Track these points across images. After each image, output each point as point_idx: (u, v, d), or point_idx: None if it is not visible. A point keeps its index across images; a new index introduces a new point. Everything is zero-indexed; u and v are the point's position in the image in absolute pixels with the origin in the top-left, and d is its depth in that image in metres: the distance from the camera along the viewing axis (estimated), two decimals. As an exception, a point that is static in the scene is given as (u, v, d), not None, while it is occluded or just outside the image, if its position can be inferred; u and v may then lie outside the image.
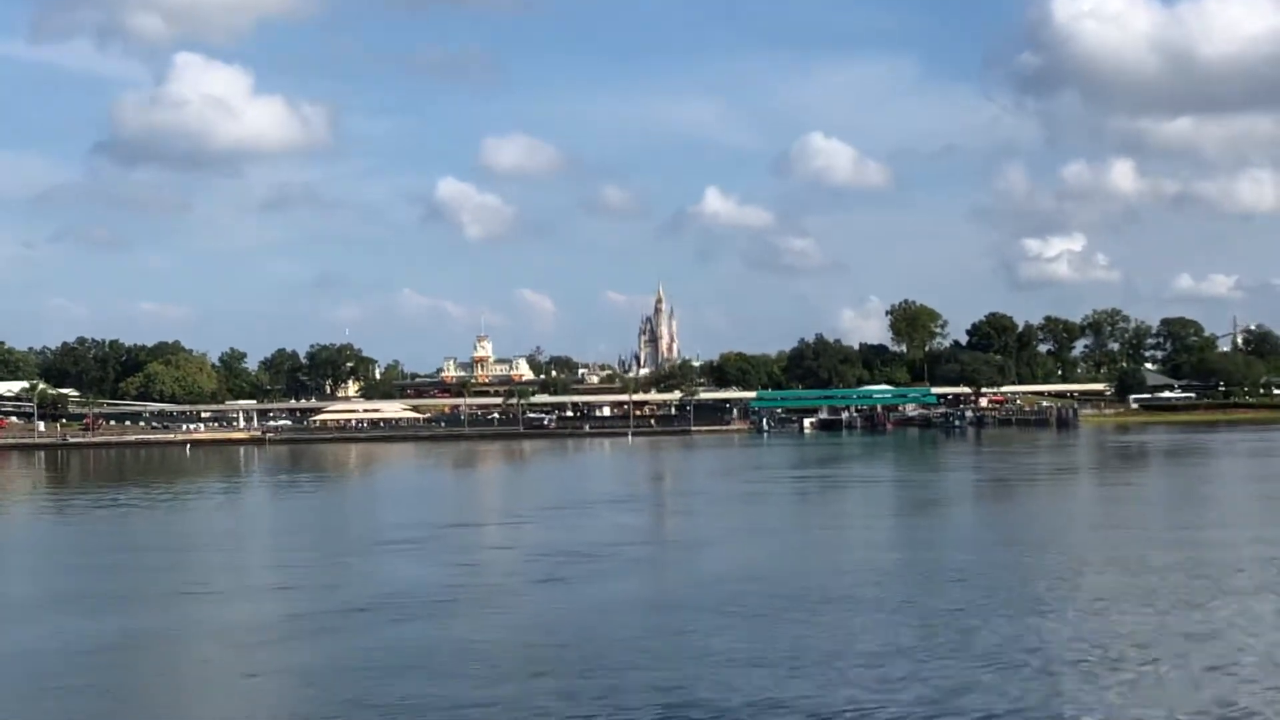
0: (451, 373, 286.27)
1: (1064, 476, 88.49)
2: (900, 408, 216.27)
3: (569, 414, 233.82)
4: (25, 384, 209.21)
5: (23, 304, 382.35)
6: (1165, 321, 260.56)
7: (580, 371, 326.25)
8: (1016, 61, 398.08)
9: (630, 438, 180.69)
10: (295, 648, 30.12)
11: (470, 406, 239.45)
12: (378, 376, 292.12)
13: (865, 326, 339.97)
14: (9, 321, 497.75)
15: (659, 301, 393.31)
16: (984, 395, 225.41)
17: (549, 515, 62.11)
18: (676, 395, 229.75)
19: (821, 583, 36.93)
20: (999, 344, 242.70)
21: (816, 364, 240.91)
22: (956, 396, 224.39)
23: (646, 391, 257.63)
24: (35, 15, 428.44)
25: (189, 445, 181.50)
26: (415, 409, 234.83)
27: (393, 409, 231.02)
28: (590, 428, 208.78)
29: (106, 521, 66.64)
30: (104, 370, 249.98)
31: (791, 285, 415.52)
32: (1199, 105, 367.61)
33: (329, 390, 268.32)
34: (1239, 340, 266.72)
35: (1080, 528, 52.16)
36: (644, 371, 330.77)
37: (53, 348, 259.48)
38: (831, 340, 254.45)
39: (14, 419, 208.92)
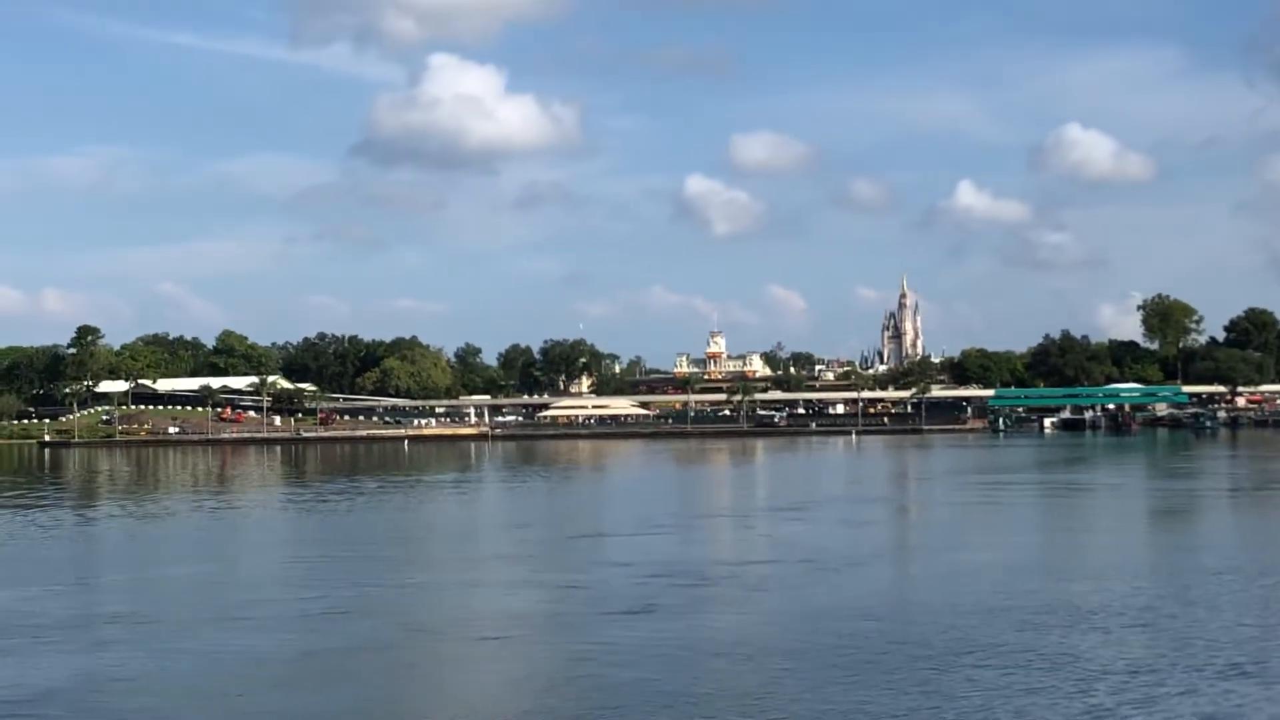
0: (684, 369, 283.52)
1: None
2: (1150, 407, 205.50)
3: (800, 411, 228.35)
4: (256, 379, 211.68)
5: (285, 301, 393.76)
6: None
7: (818, 368, 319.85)
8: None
9: (854, 436, 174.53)
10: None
11: (701, 403, 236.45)
12: (616, 371, 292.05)
13: (1124, 323, 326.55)
14: (271, 317, 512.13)
15: (903, 296, 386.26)
16: (1240, 394, 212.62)
17: (687, 525, 57.65)
18: (909, 393, 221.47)
19: (952, 629, 31.12)
20: (1258, 340, 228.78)
21: (1062, 361, 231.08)
22: (1210, 396, 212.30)
23: (884, 388, 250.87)
24: (293, 21, 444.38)
25: (407, 441, 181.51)
26: (644, 405, 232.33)
27: (620, 405, 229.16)
28: (818, 425, 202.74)
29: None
30: (343, 365, 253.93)
31: (1047, 281, 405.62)
32: None
33: (562, 386, 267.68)
34: None
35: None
36: (884, 368, 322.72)
37: (295, 343, 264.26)
38: (1080, 337, 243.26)
39: (251, 413, 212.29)
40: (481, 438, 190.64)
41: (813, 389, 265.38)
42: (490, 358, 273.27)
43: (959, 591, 35.18)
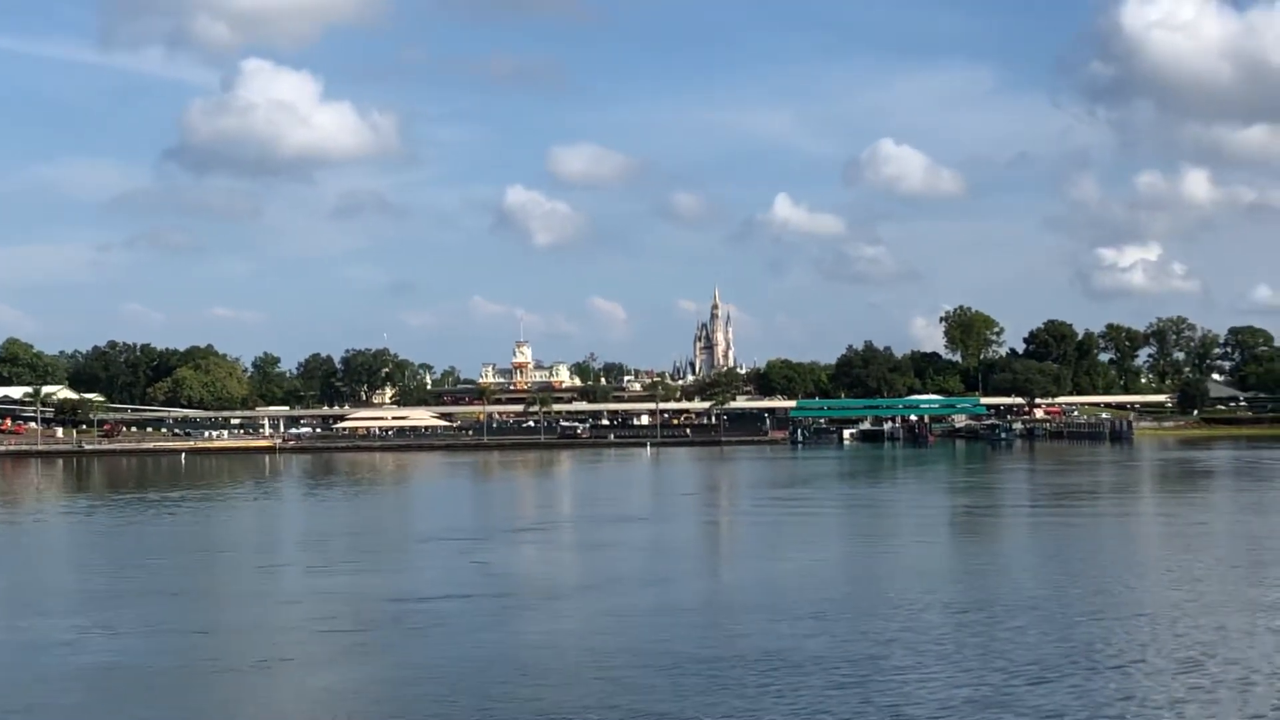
0: (489, 379, 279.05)
1: (1078, 504, 78.14)
2: (949, 418, 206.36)
3: (604, 423, 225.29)
4: (31, 389, 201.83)
5: (98, 309, 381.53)
6: (1234, 330, 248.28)
7: (626, 379, 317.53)
8: (1087, 71, 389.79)
9: (649, 449, 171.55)
10: None
11: (504, 414, 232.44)
12: (429, 382, 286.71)
13: (936, 335, 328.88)
14: (83, 325, 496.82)
15: (715, 307, 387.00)
16: (1038, 406, 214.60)
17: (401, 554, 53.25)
18: (708, 404, 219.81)
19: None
20: (1057, 352, 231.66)
21: (865, 372, 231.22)
22: (1008, 407, 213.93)
23: (691, 399, 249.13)
24: (104, 23, 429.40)
25: (184, 455, 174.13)
26: (445, 416, 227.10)
27: (420, 416, 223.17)
28: (617, 437, 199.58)
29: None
30: (135, 375, 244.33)
31: (863, 293, 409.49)
32: (1274, 113, 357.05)
33: (364, 397, 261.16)
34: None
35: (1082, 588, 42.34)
36: (693, 379, 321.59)
37: (84, 351, 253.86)
38: (884, 349, 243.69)
39: (32, 425, 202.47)
40: (270, 450, 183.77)
41: (620, 400, 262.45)
42: (294, 368, 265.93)
43: (676, 625, 31.55)
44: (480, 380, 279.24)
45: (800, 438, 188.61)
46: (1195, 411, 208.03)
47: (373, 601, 38.44)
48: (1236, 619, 31.98)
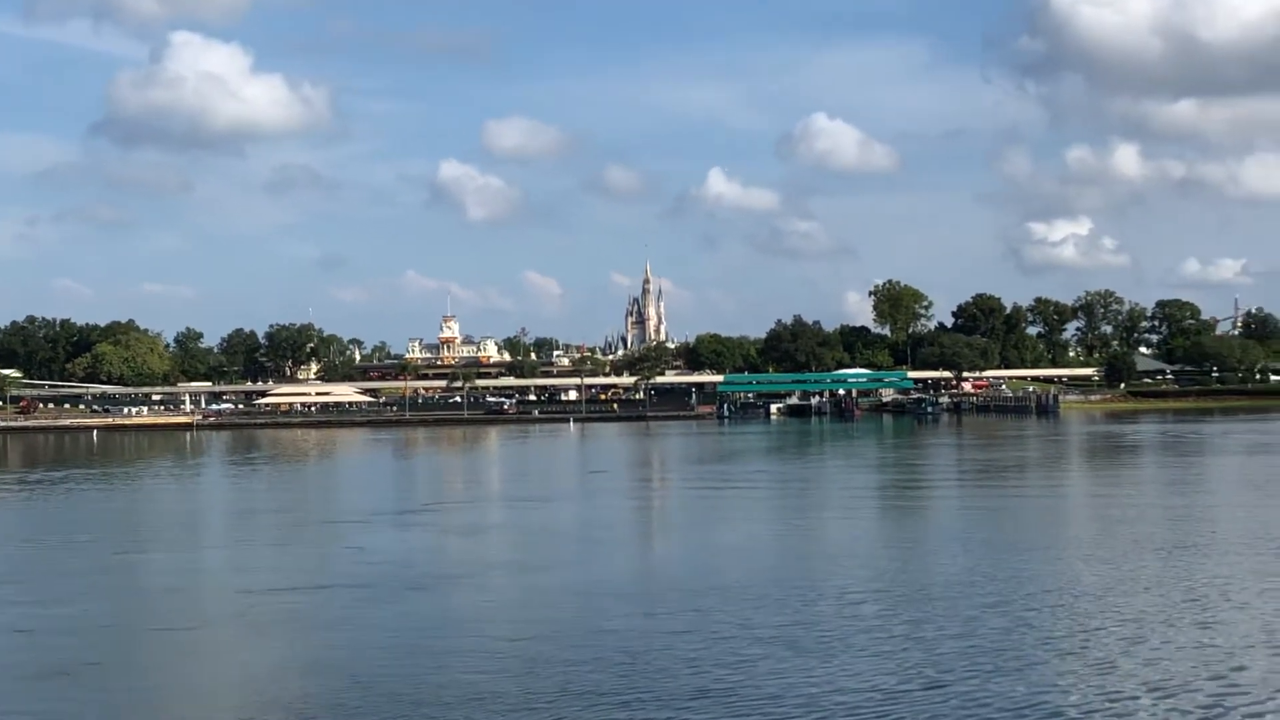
0: (416, 354, 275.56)
1: (977, 481, 76.27)
2: (877, 392, 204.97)
3: (531, 398, 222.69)
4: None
5: (27, 284, 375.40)
6: (1161, 304, 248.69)
7: (555, 354, 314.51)
8: (1017, 46, 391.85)
9: (572, 424, 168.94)
10: None
11: (430, 389, 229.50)
12: (357, 357, 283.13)
13: (869, 309, 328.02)
14: (11, 301, 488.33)
15: (646, 282, 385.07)
16: (965, 380, 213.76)
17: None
18: (635, 379, 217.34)
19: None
20: (986, 326, 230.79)
21: (794, 346, 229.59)
22: (936, 381, 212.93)
23: (620, 374, 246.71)
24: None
25: (96, 431, 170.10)
26: (370, 392, 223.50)
27: (344, 392, 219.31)
28: (542, 413, 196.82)
29: None
30: (54, 351, 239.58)
31: (796, 268, 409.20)
32: (1202, 88, 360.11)
33: (289, 372, 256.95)
34: (1239, 324, 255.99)
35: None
36: (623, 354, 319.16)
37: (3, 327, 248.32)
38: (813, 323, 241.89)
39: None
40: (188, 427, 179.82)
41: (549, 375, 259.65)
42: (219, 344, 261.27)
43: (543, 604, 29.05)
44: (407, 356, 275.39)
45: (727, 412, 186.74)
46: (1122, 385, 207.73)
47: (218, 594, 35.78)
48: (1152, 607, 29.81)
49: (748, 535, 46.59)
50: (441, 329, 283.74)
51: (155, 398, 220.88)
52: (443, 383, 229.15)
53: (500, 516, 56.05)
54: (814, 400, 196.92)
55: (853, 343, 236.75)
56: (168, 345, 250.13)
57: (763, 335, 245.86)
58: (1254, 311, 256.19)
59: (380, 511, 57.95)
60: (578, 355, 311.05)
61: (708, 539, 46.67)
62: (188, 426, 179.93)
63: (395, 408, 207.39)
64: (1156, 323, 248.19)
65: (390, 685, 23.88)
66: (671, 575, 37.68)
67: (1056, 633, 27.28)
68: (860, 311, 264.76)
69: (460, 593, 35.40)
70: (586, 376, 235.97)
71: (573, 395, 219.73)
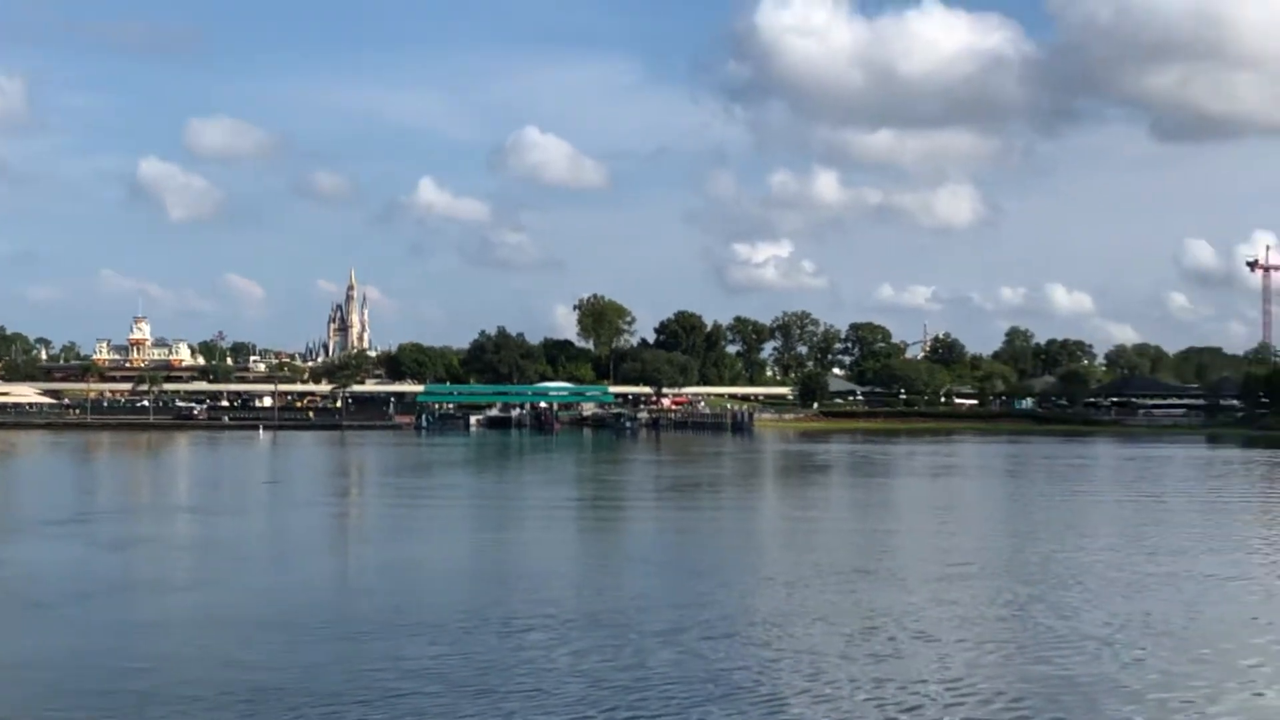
0: (104, 355, 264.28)
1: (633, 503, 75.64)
2: (577, 406, 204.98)
3: (224, 404, 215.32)
4: None
5: None
6: (854, 327, 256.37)
7: (253, 359, 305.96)
8: (725, 70, 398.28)
9: (263, 432, 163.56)
10: None
11: (117, 392, 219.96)
12: (44, 357, 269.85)
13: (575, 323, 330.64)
14: None
15: (350, 289, 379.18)
16: (665, 395, 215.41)
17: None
18: (331, 387, 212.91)
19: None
20: (687, 343, 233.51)
21: (497, 358, 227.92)
22: (637, 396, 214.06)
23: (318, 382, 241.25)
24: None
25: None
26: (53, 394, 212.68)
27: (24, 393, 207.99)
28: (232, 419, 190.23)
29: None
30: None
31: (506, 280, 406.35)
32: (899, 120, 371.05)
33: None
34: (927, 348, 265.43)
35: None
36: (322, 361, 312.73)
37: None
38: (516, 335, 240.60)
39: None
40: None
41: (244, 380, 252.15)
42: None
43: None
44: (95, 357, 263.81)
45: (425, 423, 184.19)
46: (815, 404, 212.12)
47: None
48: (830, 637, 28.65)
49: (421, 555, 44.11)
50: (132, 330, 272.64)
51: None
52: (130, 385, 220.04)
53: (158, 528, 52.30)
54: (515, 413, 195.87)
55: (556, 356, 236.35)
56: None
57: (468, 346, 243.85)
58: (941, 337, 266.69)
59: (28, 521, 53.73)
60: (275, 361, 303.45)
61: (378, 558, 44.19)
62: None
63: (78, 410, 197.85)
64: (850, 345, 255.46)
65: None
66: (329, 597, 35.03)
67: (728, 665, 25.68)
68: (568, 325, 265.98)
69: (94, 612, 32.06)
70: (283, 383, 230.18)
71: (268, 402, 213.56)
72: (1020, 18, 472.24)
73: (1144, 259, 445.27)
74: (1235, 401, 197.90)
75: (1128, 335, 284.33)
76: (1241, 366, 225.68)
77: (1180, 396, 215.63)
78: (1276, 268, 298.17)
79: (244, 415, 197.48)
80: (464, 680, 24.18)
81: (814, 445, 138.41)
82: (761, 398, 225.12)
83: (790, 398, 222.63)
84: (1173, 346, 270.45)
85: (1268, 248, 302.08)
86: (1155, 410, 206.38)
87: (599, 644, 27.48)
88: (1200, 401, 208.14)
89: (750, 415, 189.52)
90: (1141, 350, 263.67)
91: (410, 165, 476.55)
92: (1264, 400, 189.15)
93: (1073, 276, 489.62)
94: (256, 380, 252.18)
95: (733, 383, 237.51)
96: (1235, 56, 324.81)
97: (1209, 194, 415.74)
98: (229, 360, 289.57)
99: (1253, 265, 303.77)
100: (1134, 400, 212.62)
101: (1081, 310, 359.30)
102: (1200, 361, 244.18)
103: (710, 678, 24.51)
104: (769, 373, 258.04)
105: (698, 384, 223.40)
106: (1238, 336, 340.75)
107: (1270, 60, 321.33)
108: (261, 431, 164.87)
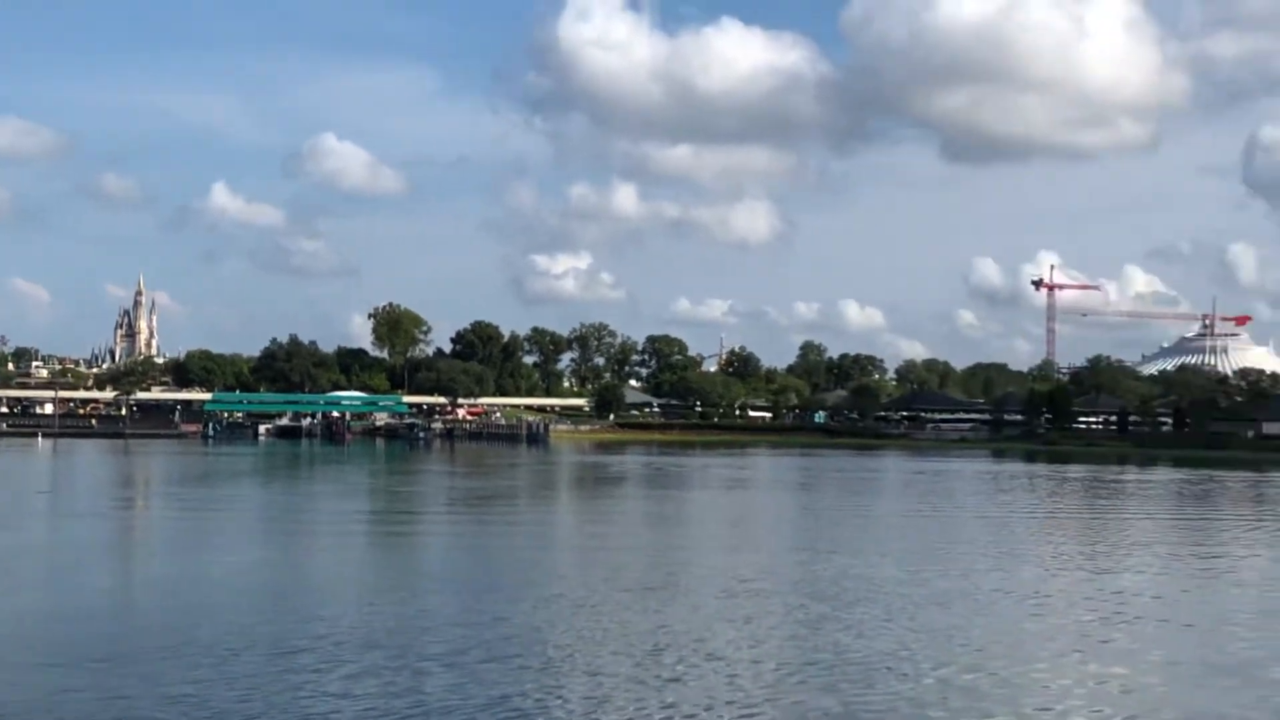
0: None
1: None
2: (371, 416, 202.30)
3: (3, 410, 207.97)
4: None
5: None
6: (651, 339, 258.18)
7: (34, 365, 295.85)
8: (525, 81, 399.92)
9: (42, 440, 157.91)
10: None
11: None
12: None
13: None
14: None
15: (139, 294, 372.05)
16: (461, 406, 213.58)
17: None
18: (113, 394, 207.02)
19: None
20: (484, 353, 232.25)
21: (288, 366, 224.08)
22: (432, 406, 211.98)
23: (102, 389, 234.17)
24: None
25: None
26: None
27: None
28: (8, 426, 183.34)
29: None
30: None
31: (301, 287, 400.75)
32: (697, 135, 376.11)
33: None
34: (723, 362, 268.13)
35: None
36: (106, 368, 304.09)
37: None
38: (308, 343, 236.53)
39: None
40: None
41: (25, 386, 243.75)
42: None
43: None
44: None
45: (212, 432, 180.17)
46: (611, 416, 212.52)
47: None
48: (619, 657, 27.72)
49: (196, 571, 41.97)
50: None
51: None
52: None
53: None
54: (305, 422, 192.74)
55: (350, 365, 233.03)
56: None
57: (259, 354, 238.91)
58: (737, 350, 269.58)
59: None
60: (59, 367, 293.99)
61: (150, 573, 42.17)
62: None
63: None
64: (647, 357, 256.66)
65: None
66: (92, 617, 32.90)
67: (510, 690, 24.54)
68: (364, 334, 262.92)
69: None
70: (65, 389, 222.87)
71: (49, 409, 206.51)
72: (816, 37, 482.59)
73: (934, 276, 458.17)
74: (1019, 416, 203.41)
75: (917, 351, 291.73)
76: (1025, 382, 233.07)
77: (967, 411, 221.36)
78: (1060, 286, 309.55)
79: (23, 422, 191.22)
80: (225, 709, 22.65)
81: (609, 457, 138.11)
82: (558, 409, 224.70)
83: (587, 409, 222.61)
84: (961, 362, 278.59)
85: (1052, 267, 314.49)
86: (943, 424, 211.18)
87: (374, 667, 26.13)
88: (986, 416, 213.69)
89: (546, 426, 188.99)
90: (930, 365, 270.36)
91: (203, 169, 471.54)
92: (1046, 415, 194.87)
93: (865, 292, 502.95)
94: (38, 386, 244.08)
95: (529, 394, 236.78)
96: (1023, 80, 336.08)
97: (996, 214, 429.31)
98: (10, 366, 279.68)
99: (1037, 284, 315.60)
100: (923, 414, 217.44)
101: (873, 325, 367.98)
102: (987, 377, 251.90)
103: (490, 703, 23.35)
104: (566, 384, 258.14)
105: (494, 395, 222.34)
106: (1022, 353, 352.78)
107: (1056, 84, 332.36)
108: (40, 439, 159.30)
